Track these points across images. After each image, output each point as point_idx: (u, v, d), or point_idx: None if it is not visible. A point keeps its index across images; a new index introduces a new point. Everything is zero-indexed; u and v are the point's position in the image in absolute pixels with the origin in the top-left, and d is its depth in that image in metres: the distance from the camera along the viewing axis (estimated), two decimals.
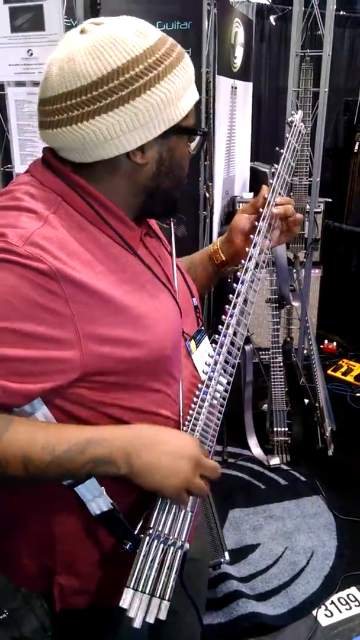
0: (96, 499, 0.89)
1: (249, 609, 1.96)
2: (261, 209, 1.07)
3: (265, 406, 2.94)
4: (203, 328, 1.08)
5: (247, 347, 2.76)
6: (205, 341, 1.07)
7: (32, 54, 2.37)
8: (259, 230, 1.05)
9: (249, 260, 1.03)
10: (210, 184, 3.38)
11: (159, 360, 0.92)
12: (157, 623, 0.87)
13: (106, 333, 0.83)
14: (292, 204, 1.11)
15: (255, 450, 2.86)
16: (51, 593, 0.99)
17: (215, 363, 0.98)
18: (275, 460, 2.78)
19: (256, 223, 1.06)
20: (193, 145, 0.94)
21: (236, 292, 1.01)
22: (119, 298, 0.85)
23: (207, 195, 3.42)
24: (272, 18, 3.96)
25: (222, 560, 2.02)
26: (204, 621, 1.90)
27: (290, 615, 1.99)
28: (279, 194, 1.10)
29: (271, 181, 1.09)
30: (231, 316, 1.00)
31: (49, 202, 0.85)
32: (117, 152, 0.84)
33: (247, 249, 1.04)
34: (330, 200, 3.64)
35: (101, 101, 0.80)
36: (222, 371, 0.99)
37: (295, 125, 1.13)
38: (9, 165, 2.90)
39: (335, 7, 2.79)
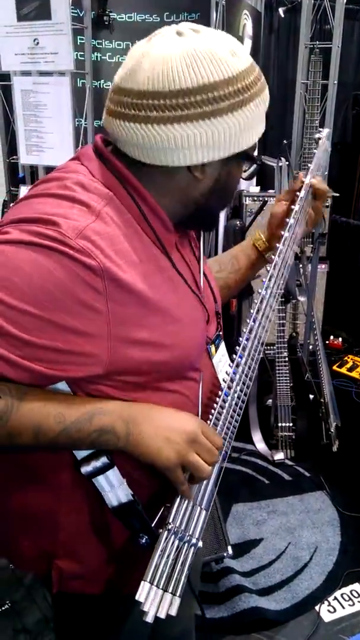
0: (115, 489, 0.89)
1: (252, 603, 1.95)
2: (297, 193, 1.10)
3: (269, 401, 2.92)
4: (221, 333, 1.08)
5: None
6: (222, 346, 1.07)
7: (38, 43, 2.36)
8: (294, 211, 1.08)
9: (283, 244, 1.05)
10: None
11: (183, 364, 0.92)
12: (168, 618, 0.87)
13: (137, 335, 0.83)
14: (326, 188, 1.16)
15: (260, 445, 2.85)
16: (49, 576, 0.99)
17: (237, 365, 0.98)
18: (279, 456, 2.77)
19: (291, 206, 1.09)
20: (247, 172, 0.97)
21: (260, 297, 1.01)
22: (155, 300, 0.85)
23: None
24: (281, 10, 3.91)
25: (225, 554, 2.01)
26: (206, 615, 1.90)
27: (293, 610, 1.98)
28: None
29: (307, 167, 1.13)
30: (254, 320, 1.00)
31: (100, 196, 0.84)
32: (181, 162, 0.83)
33: (281, 232, 1.06)
34: (337, 195, 3.61)
35: (184, 110, 0.79)
36: (245, 371, 0.99)
37: (322, 143, 1.17)
38: (14, 157, 2.89)
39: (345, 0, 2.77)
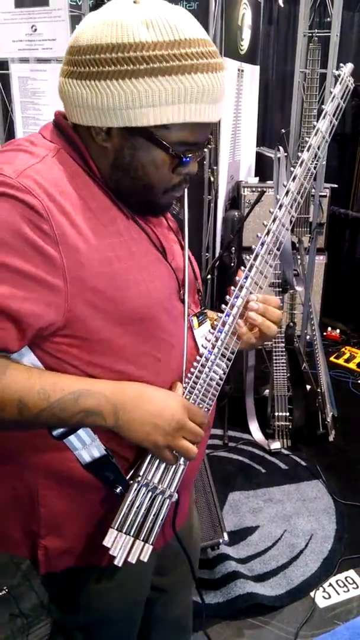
0: (87, 446, 0.90)
1: (247, 589, 1.96)
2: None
3: (266, 392, 2.93)
4: (206, 312, 1.07)
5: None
6: (207, 324, 1.06)
7: (36, 29, 2.35)
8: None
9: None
10: (215, 167, 3.35)
11: (145, 320, 0.90)
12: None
13: (93, 282, 0.83)
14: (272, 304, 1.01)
15: (256, 434, 2.86)
16: (36, 557, 0.99)
17: (224, 324, 0.96)
18: (276, 445, 2.78)
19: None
20: (185, 168, 0.87)
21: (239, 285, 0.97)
22: (108, 248, 0.85)
23: (212, 179, 3.40)
24: (280, 0, 3.90)
25: (221, 541, 2.02)
26: (199, 600, 1.91)
27: (288, 596, 1.99)
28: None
29: (245, 267, 0.98)
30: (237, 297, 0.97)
31: (47, 148, 0.86)
32: (81, 121, 0.84)
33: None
34: (336, 186, 3.61)
35: (76, 67, 0.80)
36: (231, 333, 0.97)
37: (342, 80, 1.03)
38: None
39: None
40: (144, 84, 0.77)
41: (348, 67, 1.04)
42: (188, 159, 0.86)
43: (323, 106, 1.01)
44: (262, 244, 0.97)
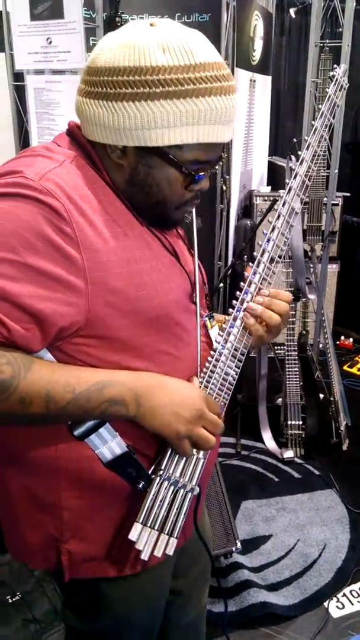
0: (109, 444, 0.91)
1: (260, 598, 1.95)
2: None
3: (279, 400, 2.92)
4: (214, 315, 1.09)
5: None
6: (215, 327, 1.07)
7: (51, 42, 2.39)
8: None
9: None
10: (227, 177, 3.37)
11: (162, 318, 0.92)
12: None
13: (114, 283, 0.85)
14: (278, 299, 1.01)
15: (269, 443, 2.85)
16: (59, 566, 0.99)
17: (235, 319, 0.99)
18: (289, 454, 2.77)
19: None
20: (197, 185, 0.90)
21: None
22: (127, 250, 0.87)
23: (224, 188, 3.42)
24: (292, 10, 3.93)
25: (234, 549, 2.01)
26: (214, 609, 1.90)
27: (302, 606, 1.97)
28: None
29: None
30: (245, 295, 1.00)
31: (65, 155, 0.89)
32: (96, 138, 0.87)
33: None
34: (348, 194, 3.61)
35: (93, 87, 0.83)
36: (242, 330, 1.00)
37: (337, 81, 1.09)
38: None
39: (355, 4, 2.77)
40: (159, 106, 0.80)
41: (342, 68, 1.10)
42: (200, 176, 0.89)
43: (321, 106, 1.06)
44: (269, 240, 1.00)
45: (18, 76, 2.85)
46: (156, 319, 0.91)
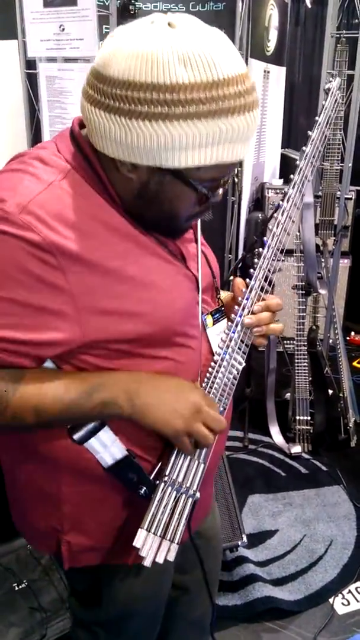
0: (109, 448, 0.91)
1: (265, 592, 1.94)
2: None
3: (288, 395, 2.90)
4: (223, 309, 1.07)
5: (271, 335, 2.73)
6: (223, 322, 1.05)
7: (63, 29, 2.37)
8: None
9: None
10: (239, 169, 3.34)
11: (166, 331, 0.91)
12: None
13: (106, 305, 0.83)
14: (273, 306, 1.00)
15: (277, 438, 2.83)
16: (60, 552, 1.00)
17: (237, 325, 0.98)
18: (296, 449, 2.75)
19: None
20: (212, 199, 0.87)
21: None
22: (119, 269, 0.84)
23: (236, 180, 3.39)
24: (307, 1, 3.88)
25: (240, 542, 2.01)
26: (220, 602, 1.90)
27: (307, 601, 1.97)
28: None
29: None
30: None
31: (58, 168, 0.84)
32: (108, 152, 0.80)
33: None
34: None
35: (108, 100, 0.75)
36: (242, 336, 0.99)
37: (332, 93, 1.08)
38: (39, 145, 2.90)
39: None
40: (178, 127, 0.73)
41: (337, 82, 1.09)
42: (216, 194, 0.86)
43: (317, 117, 1.05)
44: (268, 247, 1.00)
45: (30, 64, 2.83)
46: (160, 332, 0.90)
